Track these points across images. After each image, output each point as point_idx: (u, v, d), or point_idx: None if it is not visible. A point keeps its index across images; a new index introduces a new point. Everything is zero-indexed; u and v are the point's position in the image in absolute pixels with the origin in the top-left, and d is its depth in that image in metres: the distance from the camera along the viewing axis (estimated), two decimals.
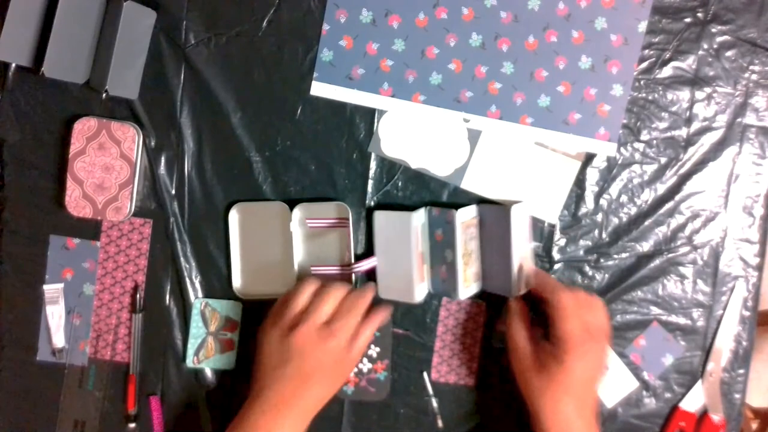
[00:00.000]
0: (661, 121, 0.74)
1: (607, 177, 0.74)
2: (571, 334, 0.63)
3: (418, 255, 0.71)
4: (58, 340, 0.77)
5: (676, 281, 0.74)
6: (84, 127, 0.74)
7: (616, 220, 0.75)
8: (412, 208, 0.72)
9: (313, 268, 0.76)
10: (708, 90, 0.73)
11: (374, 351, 0.76)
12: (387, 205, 0.76)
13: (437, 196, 0.75)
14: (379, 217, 0.73)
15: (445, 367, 0.76)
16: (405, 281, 0.71)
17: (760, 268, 0.74)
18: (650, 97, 0.74)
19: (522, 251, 0.71)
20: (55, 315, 0.77)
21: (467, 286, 0.71)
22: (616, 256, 0.75)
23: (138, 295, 0.77)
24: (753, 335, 0.74)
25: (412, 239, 0.70)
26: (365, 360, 0.76)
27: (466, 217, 0.71)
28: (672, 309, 0.75)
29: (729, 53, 0.73)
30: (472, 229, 0.72)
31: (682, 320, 0.74)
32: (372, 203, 0.76)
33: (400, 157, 0.75)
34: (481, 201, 0.75)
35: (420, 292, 0.72)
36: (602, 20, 0.73)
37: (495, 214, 0.71)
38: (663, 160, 0.74)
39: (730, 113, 0.73)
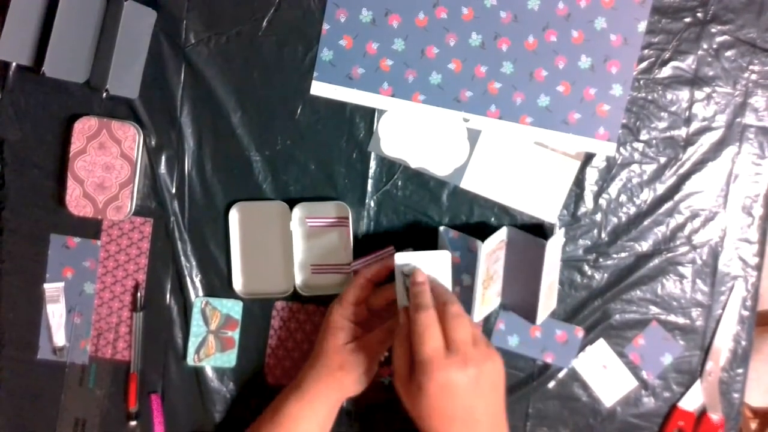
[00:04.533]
0: (660, 120, 0.74)
1: (607, 177, 0.74)
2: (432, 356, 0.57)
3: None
4: (59, 338, 0.77)
5: (675, 281, 0.75)
6: (84, 127, 0.74)
7: (615, 220, 0.75)
8: (422, 225, 0.72)
9: (312, 267, 0.76)
10: (707, 90, 0.73)
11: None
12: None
13: (437, 196, 0.75)
14: (401, 260, 0.65)
15: None
16: None
17: (759, 267, 0.74)
18: (650, 97, 0.74)
19: (550, 278, 0.71)
20: (55, 314, 0.77)
21: (485, 307, 0.71)
22: (615, 255, 0.75)
23: (139, 294, 0.77)
24: (752, 335, 0.74)
25: (448, 279, 0.66)
26: None
27: (492, 245, 0.69)
28: (671, 308, 0.75)
29: (728, 53, 0.73)
30: (498, 253, 0.71)
31: (681, 320, 0.75)
32: (372, 203, 0.76)
33: (400, 156, 0.75)
34: (512, 223, 0.74)
35: None
36: (602, 20, 0.73)
37: (528, 244, 0.69)
38: (662, 159, 0.74)
39: (729, 113, 0.73)
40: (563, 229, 0.74)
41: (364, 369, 0.66)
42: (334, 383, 0.66)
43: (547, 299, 0.71)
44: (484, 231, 0.72)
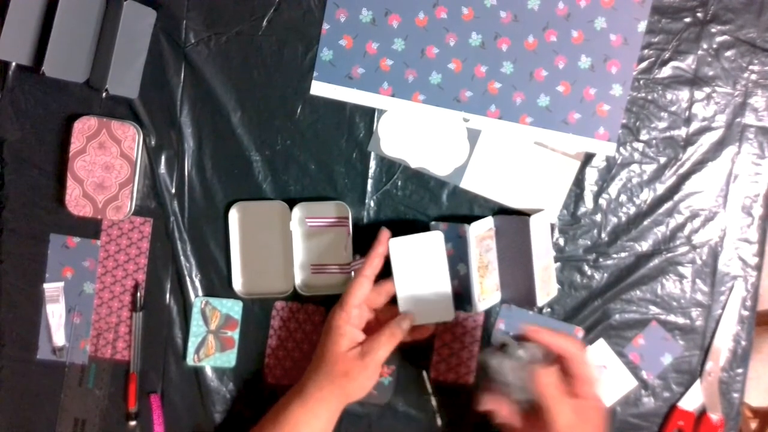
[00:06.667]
0: (660, 120, 0.74)
1: (606, 177, 0.74)
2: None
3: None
4: (59, 338, 0.77)
5: (675, 281, 0.75)
6: (84, 126, 0.74)
7: (615, 220, 0.75)
8: (421, 225, 0.73)
9: (312, 267, 0.76)
10: (707, 90, 0.73)
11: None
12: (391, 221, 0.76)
13: (437, 196, 0.75)
14: (396, 245, 0.68)
15: (444, 366, 0.76)
16: (441, 301, 0.69)
17: (758, 267, 0.74)
18: (649, 97, 0.74)
19: (544, 261, 0.71)
20: (55, 314, 0.77)
21: (485, 298, 0.71)
22: (615, 255, 0.75)
23: (138, 294, 0.77)
24: (752, 335, 0.74)
25: (443, 259, 0.69)
26: None
27: (480, 230, 0.70)
28: (671, 308, 0.75)
29: (728, 53, 0.73)
30: (488, 241, 0.71)
31: (680, 320, 0.75)
32: (372, 202, 0.76)
33: (400, 156, 0.75)
34: (498, 211, 0.75)
35: (452, 307, 0.70)
36: (602, 20, 0.73)
37: (513, 225, 0.70)
38: (662, 159, 0.74)
39: (729, 113, 0.73)
40: (546, 209, 0.74)
41: (368, 375, 0.66)
42: (337, 390, 0.66)
43: (545, 283, 0.71)
44: None
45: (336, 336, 0.66)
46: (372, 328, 0.68)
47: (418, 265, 0.69)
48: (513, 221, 0.70)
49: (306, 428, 0.66)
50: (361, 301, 0.67)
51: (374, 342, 0.66)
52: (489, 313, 0.75)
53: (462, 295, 0.70)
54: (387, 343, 0.66)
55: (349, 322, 0.67)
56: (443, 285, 0.69)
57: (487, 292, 0.71)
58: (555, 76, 0.74)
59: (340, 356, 0.66)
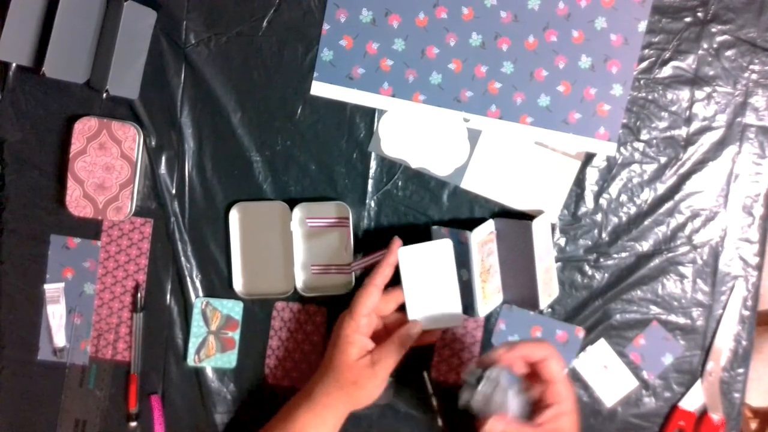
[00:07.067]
0: (660, 120, 0.74)
1: (607, 176, 0.74)
2: None
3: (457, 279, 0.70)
4: (59, 339, 0.77)
5: (675, 281, 0.74)
6: (85, 127, 0.74)
7: (615, 220, 0.75)
8: (422, 226, 0.72)
9: (313, 268, 0.76)
10: (708, 89, 0.73)
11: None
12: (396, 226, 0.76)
13: (437, 196, 0.75)
14: (405, 253, 0.68)
15: (445, 366, 0.76)
16: (449, 308, 0.69)
17: (759, 267, 0.74)
18: (650, 97, 0.74)
19: (545, 262, 0.70)
20: (55, 314, 0.77)
21: (487, 302, 0.71)
22: (615, 255, 0.75)
23: (139, 294, 0.77)
24: (752, 335, 0.74)
25: (452, 267, 0.69)
26: None
27: (482, 235, 0.70)
28: (671, 308, 0.75)
29: (729, 53, 0.73)
30: (489, 245, 0.71)
31: (681, 320, 0.75)
32: (372, 203, 0.76)
33: (400, 156, 0.75)
34: (498, 212, 0.75)
35: (461, 314, 0.70)
36: (602, 20, 0.73)
37: (515, 229, 0.70)
38: (663, 159, 0.74)
39: (729, 113, 0.73)
40: (547, 209, 0.74)
41: (377, 383, 0.66)
42: (345, 397, 0.66)
43: (547, 285, 0.71)
44: None
45: (345, 345, 0.66)
46: (379, 335, 0.68)
47: (427, 273, 0.68)
48: (515, 225, 0.70)
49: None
50: (370, 310, 0.67)
51: (384, 351, 0.66)
52: (490, 314, 0.75)
53: (464, 300, 0.70)
54: (396, 351, 0.66)
55: (358, 330, 0.67)
56: (452, 292, 0.69)
57: (488, 296, 0.71)
58: (555, 76, 0.74)
59: (349, 365, 0.66)
